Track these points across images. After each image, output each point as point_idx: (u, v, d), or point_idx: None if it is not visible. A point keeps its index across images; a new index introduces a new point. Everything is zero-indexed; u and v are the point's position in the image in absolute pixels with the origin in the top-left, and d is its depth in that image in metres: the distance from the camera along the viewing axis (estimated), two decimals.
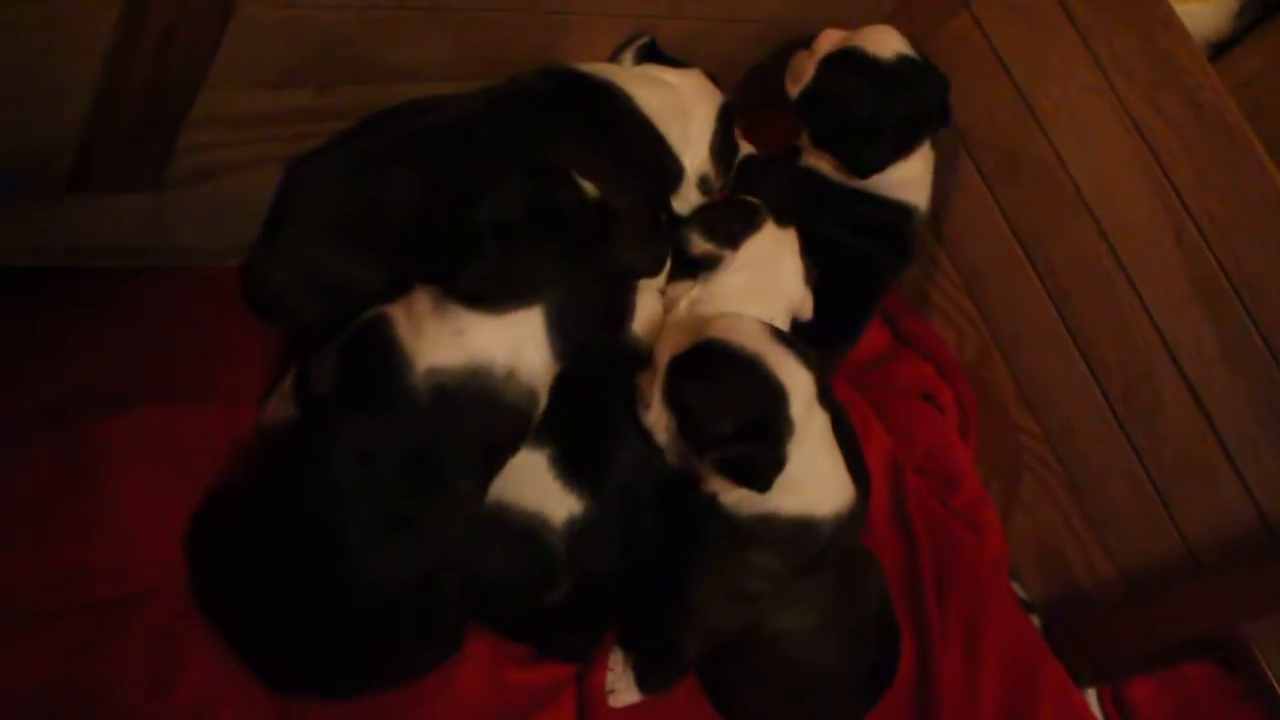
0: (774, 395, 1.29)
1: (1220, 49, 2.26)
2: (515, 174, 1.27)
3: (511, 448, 1.29)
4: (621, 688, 1.46)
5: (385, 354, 1.19)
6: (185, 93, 1.30)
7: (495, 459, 1.28)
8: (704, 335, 1.34)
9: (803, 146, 1.88)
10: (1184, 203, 1.78)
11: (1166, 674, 1.94)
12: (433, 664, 1.32)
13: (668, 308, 1.59)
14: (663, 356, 1.37)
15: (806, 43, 1.84)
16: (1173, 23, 1.76)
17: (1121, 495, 1.91)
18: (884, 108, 1.75)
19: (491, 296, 1.20)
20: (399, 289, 1.25)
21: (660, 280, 1.59)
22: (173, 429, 1.31)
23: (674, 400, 1.34)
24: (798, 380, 1.31)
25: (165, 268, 1.45)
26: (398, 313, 1.22)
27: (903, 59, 1.75)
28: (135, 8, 1.15)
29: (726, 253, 1.56)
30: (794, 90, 1.82)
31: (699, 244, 1.57)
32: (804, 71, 1.81)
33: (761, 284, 1.58)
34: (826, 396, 1.36)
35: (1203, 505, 1.81)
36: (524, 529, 1.35)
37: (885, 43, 1.76)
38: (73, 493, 1.23)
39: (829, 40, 1.80)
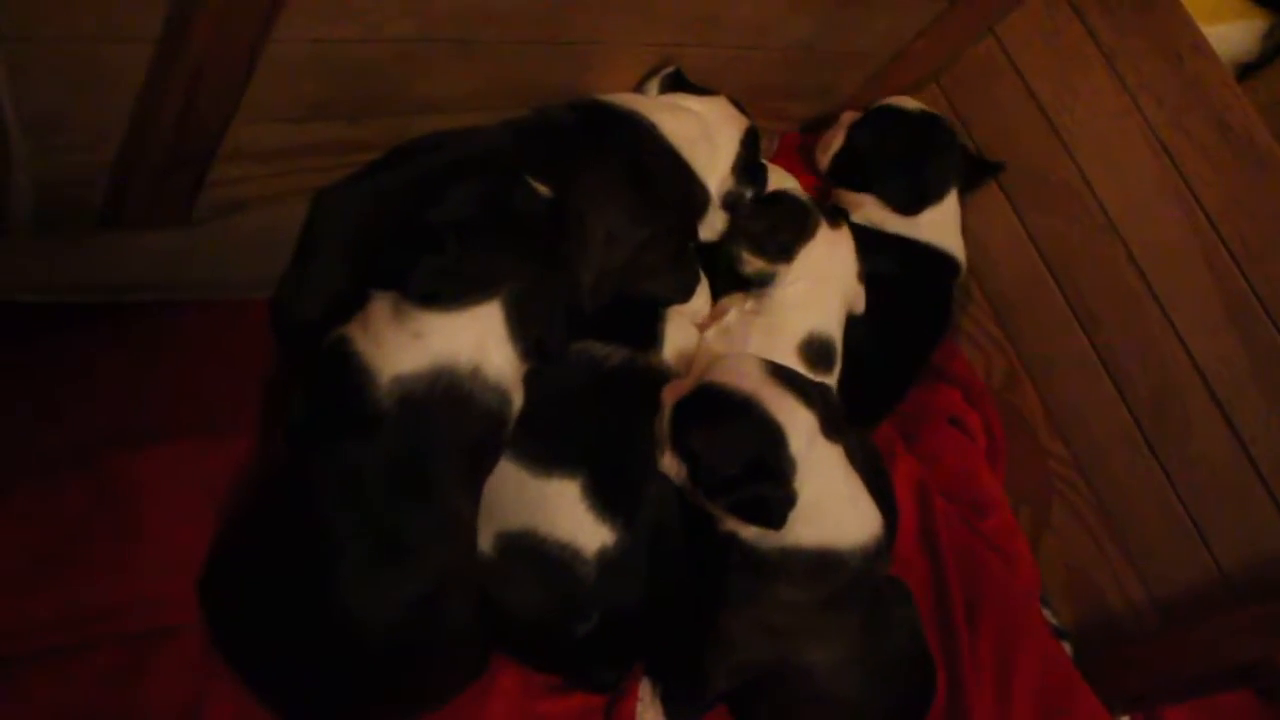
0: (771, 435, 1.29)
1: (1248, 70, 2.25)
2: (464, 179, 1.28)
3: (492, 452, 1.28)
4: (650, 717, 1.45)
5: (348, 373, 1.18)
6: (216, 128, 1.31)
7: (478, 464, 1.26)
8: (703, 380, 1.36)
9: (846, 204, 1.95)
10: (1214, 225, 1.76)
11: (1202, 702, 1.91)
12: (456, 689, 1.31)
13: (716, 317, 1.58)
14: (668, 403, 1.38)
15: (829, 65, 1.93)
16: (1201, 46, 1.76)
17: (1153, 520, 1.89)
18: (916, 143, 1.93)
19: (446, 293, 1.18)
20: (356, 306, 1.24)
21: (693, 307, 1.59)
22: (204, 462, 1.32)
23: (679, 447, 1.35)
24: (796, 417, 1.30)
25: (196, 301, 1.46)
26: (354, 330, 1.21)
27: (924, 112, 1.98)
28: (168, 45, 1.16)
29: (780, 268, 1.54)
30: (824, 159, 2.03)
31: (751, 262, 1.55)
32: (833, 140, 2.01)
33: (817, 294, 1.57)
34: (837, 428, 1.35)
35: (1237, 530, 1.79)
36: (556, 560, 1.35)
37: (908, 102, 2.00)
38: (104, 526, 1.24)
39: (851, 115, 2.03)
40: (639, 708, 1.46)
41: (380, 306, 1.20)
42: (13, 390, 1.29)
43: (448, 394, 1.19)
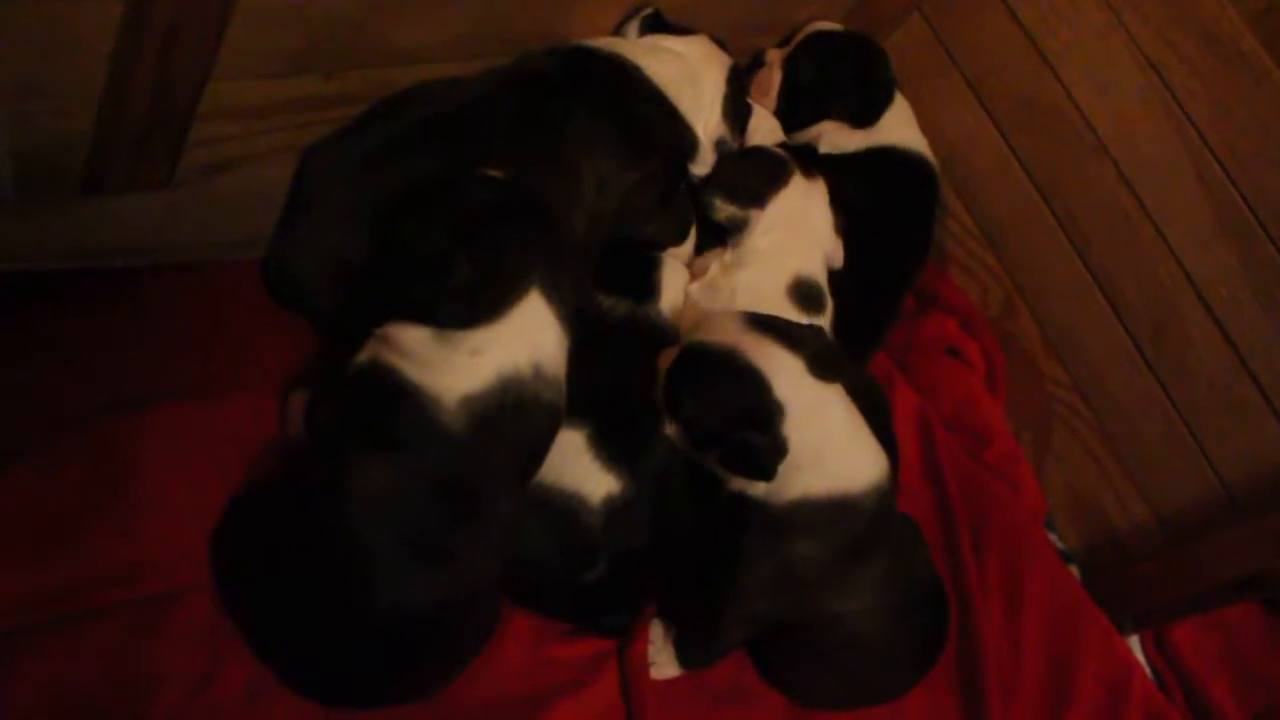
0: (753, 382, 1.29)
1: None
2: (425, 195, 1.24)
3: (545, 453, 1.27)
4: (663, 660, 1.46)
5: (402, 401, 1.14)
6: (192, 87, 1.29)
7: (532, 467, 1.26)
8: (685, 342, 1.36)
9: (810, 140, 1.94)
10: (1204, 138, 1.75)
11: (1209, 617, 1.92)
12: (471, 657, 1.30)
13: (697, 274, 1.58)
14: (662, 370, 1.39)
15: None
16: None
17: (1155, 439, 1.89)
18: (855, 56, 1.94)
19: (482, 311, 1.16)
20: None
21: (686, 249, 1.59)
22: (203, 424, 1.31)
23: (673, 412, 1.36)
24: (778, 362, 1.30)
25: (186, 263, 1.45)
26: (393, 359, 1.16)
27: (848, 30, 1.99)
28: (137, 5, 1.14)
29: (753, 213, 1.54)
30: (767, 101, 1.96)
31: (723, 208, 1.54)
32: (769, 79, 1.97)
33: (794, 241, 1.56)
34: (831, 368, 1.34)
35: (1238, 444, 1.79)
36: (563, 509, 1.35)
37: (829, 24, 1.99)
38: (108, 494, 1.23)
39: (778, 52, 1.99)
40: (650, 650, 1.46)
41: (416, 334, 1.16)
42: (2, 361, 1.28)
43: (518, 400, 1.17)
